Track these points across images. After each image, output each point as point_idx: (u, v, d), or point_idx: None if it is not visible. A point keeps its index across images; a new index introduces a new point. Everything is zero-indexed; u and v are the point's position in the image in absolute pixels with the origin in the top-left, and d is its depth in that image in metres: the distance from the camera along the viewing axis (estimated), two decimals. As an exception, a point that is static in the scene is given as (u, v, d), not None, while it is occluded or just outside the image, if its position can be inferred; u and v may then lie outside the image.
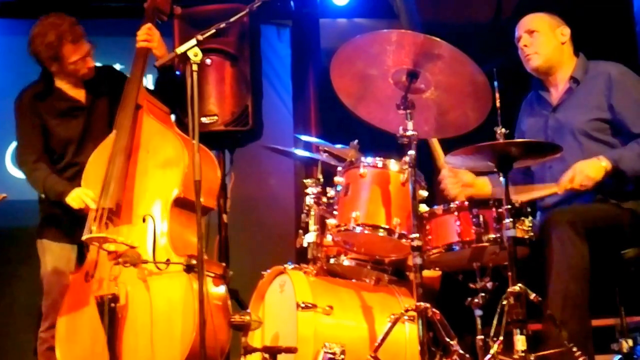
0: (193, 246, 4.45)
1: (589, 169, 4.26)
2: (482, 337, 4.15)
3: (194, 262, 4.26)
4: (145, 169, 4.66)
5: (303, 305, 4.19)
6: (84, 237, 4.45)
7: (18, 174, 7.16)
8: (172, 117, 5.38)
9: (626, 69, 4.61)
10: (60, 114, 4.98)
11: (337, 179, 4.44)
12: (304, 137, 5.48)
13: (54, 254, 4.87)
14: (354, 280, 4.60)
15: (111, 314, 4.32)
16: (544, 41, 4.68)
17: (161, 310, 4.33)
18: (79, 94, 5.06)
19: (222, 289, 4.51)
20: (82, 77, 5.01)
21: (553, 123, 4.66)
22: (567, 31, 4.72)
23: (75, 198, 4.62)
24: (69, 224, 4.57)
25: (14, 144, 7.12)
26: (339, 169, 4.45)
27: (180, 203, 4.55)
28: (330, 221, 4.38)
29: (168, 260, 4.34)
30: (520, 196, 4.32)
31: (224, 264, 4.69)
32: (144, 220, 4.51)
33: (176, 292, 4.33)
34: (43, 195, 4.96)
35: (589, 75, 4.63)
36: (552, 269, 4.13)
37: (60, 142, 4.96)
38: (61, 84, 5.03)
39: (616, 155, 4.33)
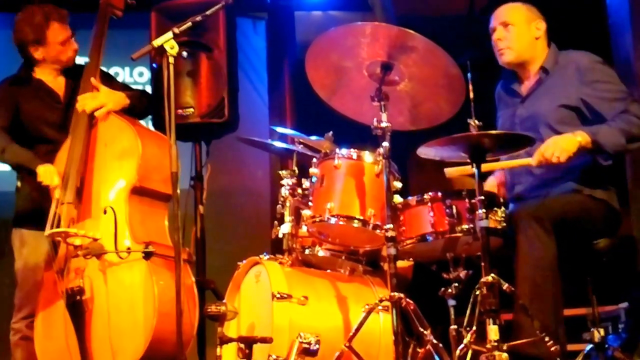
0: (155, 233, 4.53)
1: (563, 142, 4.22)
2: (456, 327, 4.19)
3: (151, 248, 4.30)
4: (103, 162, 4.69)
5: (278, 295, 4.21)
6: (46, 233, 4.48)
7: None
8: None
9: (596, 58, 4.57)
10: (36, 100, 4.98)
11: (312, 170, 4.46)
12: (280, 129, 5.48)
13: (29, 246, 4.86)
14: (328, 271, 4.62)
15: (78, 306, 4.37)
16: (518, 36, 4.61)
17: (123, 299, 4.39)
18: (59, 87, 5.07)
19: (187, 274, 4.56)
20: (66, 62, 5.03)
21: (521, 114, 4.64)
22: (542, 25, 4.66)
23: (47, 173, 4.62)
24: (45, 213, 4.56)
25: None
26: (314, 160, 4.47)
27: (138, 191, 4.60)
28: (305, 212, 4.40)
29: (129, 249, 4.39)
30: (493, 165, 4.41)
31: (187, 249, 4.72)
32: (105, 212, 4.54)
33: (136, 280, 4.38)
34: (19, 184, 4.96)
35: (559, 65, 4.60)
36: (519, 263, 4.14)
37: (34, 124, 4.95)
38: (42, 75, 5.04)
39: (594, 129, 4.29)
